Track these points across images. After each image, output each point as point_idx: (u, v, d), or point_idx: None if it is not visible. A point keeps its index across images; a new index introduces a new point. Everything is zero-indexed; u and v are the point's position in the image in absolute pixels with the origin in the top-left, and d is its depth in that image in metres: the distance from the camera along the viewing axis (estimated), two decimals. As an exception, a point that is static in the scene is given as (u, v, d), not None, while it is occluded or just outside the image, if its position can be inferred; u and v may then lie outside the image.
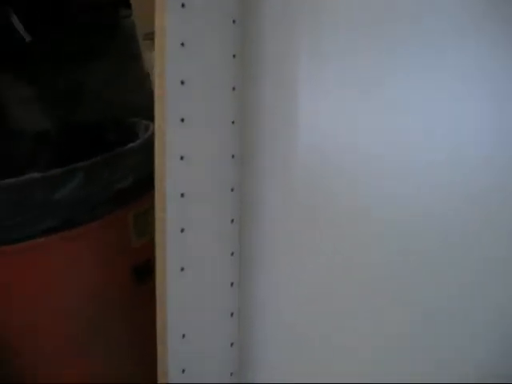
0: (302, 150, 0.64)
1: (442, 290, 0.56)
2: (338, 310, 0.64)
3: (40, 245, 0.80)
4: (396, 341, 0.60)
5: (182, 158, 0.60)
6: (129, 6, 1.25)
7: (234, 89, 0.66)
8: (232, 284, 0.69)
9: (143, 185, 0.92)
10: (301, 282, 0.66)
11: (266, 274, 0.69)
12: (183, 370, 0.64)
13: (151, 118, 1.05)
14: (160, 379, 0.63)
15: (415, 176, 0.56)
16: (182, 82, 0.59)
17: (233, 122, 0.66)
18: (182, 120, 0.60)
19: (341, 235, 0.62)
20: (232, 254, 0.68)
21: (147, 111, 1.18)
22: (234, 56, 0.65)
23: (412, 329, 0.59)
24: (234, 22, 0.63)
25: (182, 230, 0.61)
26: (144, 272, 0.93)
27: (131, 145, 0.89)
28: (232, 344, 0.70)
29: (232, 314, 0.69)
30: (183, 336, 0.63)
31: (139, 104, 1.18)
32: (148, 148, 0.93)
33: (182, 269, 0.61)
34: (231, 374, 0.71)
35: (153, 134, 0.97)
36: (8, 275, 0.82)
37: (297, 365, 0.69)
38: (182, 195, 0.60)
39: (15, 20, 1.16)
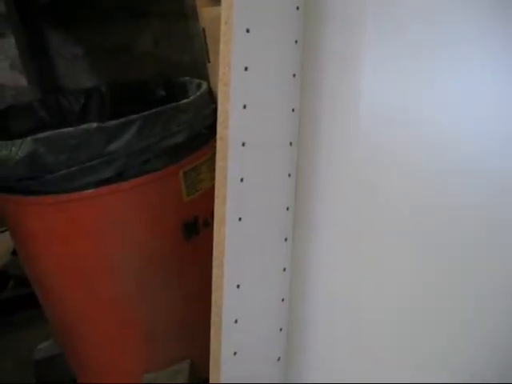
0: (362, 113, 0.63)
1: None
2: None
3: (94, 195, 0.81)
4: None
5: (244, 106, 0.59)
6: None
7: (296, 42, 0.65)
8: (286, 239, 0.68)
9: (194, 142, 0.92)
10: (357, 247, 0.66)
11: (320, 231, 0.69)
12: (236, 321, 0.65)
13: (199, 76, 1.06)
14: (213, 327, 0.63)
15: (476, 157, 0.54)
16: (248, 31, 0.58)
17: (294, 75, 0.65)
18: (246, 69, 0.59)
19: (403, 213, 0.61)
20: (287, 208, 0.68)
21: (195, 69, 1.18)
22: (297, 8, 0.64)
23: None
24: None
25: (242, 180, 0.61)
26: (192, 229, 0.93)
27: (184, 101, 0.88)
28: (283, 299, 0.70)
29: (284, 269, 0.69)
30: (238, 286, 0.63)
31: (188, 62, 1.18)
32: (200, 106, 0.93)
33: (240, 219, 0.61)
34: (280, 329, 0.71)
35: (204, 93, 0.98)
36: (63, 223, 0.84)
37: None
38: (243, 144, 0.60)
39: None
